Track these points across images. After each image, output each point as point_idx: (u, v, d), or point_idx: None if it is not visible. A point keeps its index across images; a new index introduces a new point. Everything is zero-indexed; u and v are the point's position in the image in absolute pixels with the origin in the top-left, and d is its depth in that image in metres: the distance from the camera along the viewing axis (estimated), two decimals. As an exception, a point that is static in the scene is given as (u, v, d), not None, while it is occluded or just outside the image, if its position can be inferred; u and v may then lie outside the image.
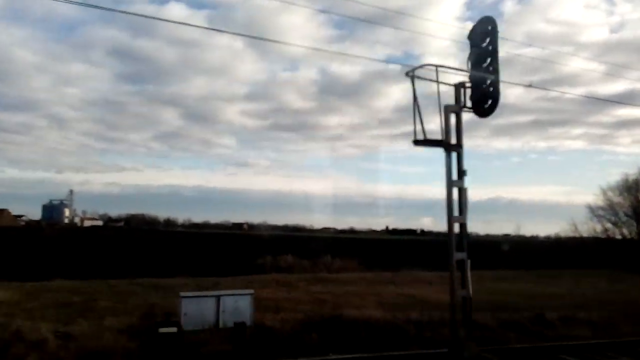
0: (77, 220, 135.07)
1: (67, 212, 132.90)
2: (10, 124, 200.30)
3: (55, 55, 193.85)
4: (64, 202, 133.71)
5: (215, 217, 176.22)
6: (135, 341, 9.94)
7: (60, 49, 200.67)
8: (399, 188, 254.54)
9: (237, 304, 10.70)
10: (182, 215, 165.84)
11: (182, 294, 10.76)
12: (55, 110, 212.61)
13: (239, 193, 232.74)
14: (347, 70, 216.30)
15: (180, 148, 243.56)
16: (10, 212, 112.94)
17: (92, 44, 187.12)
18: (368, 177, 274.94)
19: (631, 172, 47.01)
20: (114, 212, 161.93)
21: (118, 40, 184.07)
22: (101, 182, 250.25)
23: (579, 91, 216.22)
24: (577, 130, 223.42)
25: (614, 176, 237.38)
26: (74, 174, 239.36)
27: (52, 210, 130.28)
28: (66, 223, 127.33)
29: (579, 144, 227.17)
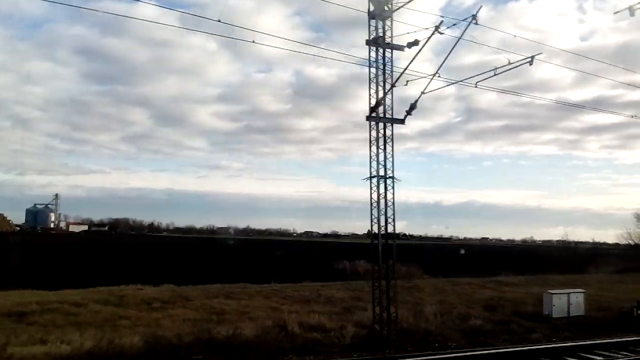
0: (62, 225, 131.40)
1: (52, 216, 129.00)
2: None
3: (19, 53, 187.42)
4: (49, 206, 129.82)
5: (184, 220, 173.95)
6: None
7: (24, 46, 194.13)
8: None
9: (577, 300, 16.72)
10: (149, 219, 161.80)
11: (550, 291, 17.46)
12: (18, 110, 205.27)
13: (211, 196, 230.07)
14: (323, 72, 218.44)
15: (149, 150, 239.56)
16: (5, 217, 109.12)
17: (58, 42, 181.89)
18: (343, 180, 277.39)
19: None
20: (88, 216, 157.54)
21: (86, 39, 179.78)
22: (65, 185, 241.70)
23: (550, 97, 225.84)
24: (548, 136, 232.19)
25: (582, 181, 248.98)
26: (37, 176, 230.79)
27: (36, 214, 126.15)
28: (52, 228, 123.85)
29: (549, 149, 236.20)
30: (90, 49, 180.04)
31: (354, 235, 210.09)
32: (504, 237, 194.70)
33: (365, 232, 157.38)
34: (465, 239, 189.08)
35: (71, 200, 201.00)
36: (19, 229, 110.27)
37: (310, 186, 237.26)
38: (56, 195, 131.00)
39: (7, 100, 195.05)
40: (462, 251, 68.32)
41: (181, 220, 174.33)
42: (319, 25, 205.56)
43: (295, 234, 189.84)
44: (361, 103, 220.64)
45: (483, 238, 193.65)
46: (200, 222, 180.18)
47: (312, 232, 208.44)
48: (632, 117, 19.65)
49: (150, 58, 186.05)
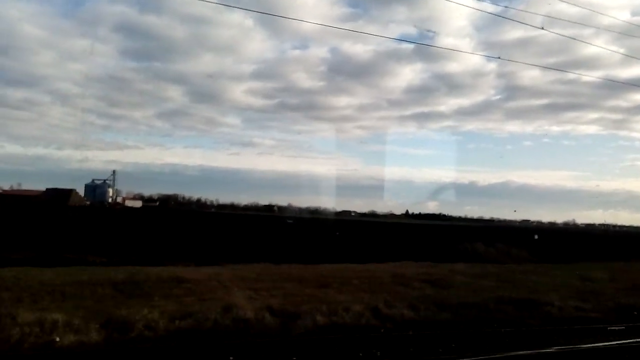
0: (119, 200, 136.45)
1: (110, 192, 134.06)
2: (12, 99, 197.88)
3: (61, 31, 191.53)
4: (107, 182, 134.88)
5: (215, 196, 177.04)
6: None
7: (66, 24, 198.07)
8: (407, 171, 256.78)
9: None
10: (186, 194, 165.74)
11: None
12: (58, 86, 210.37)
13: (242, 173, 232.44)
14: (359, 49, 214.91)
15: (183, 127, 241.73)
16: (78, 193, 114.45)
17: (99, 19, 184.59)
18: (375, 159, 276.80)
19: None
20: (146, 192, 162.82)
21: (125, 16, 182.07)
22: (102, 160, 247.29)
23: (597, 74, 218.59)
24: (593, 115, 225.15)
25: (628, 162, 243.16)
26: (74, 151, 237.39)
27: (95, 189, 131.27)
28: (110, 203, 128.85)
29: (593, 129, 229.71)
30: (130, 26, 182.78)
31: (392, 215, 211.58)
32: (544, 220, 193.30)
33: (404, 212, 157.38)
34: (505, 220, 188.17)
35: (106, 175, 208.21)
36: (88, 203, 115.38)
37: (343, 164, 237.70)
38: (114, 171, 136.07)
39: (48, 76, 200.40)
40: (536, 236, 67.55)
41: (212, 197, 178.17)
42: (356, 1, 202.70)
43: (353, 214, 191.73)
44: (396, 80, 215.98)
45: (524, 220, 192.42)
46: (230, 198, 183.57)
47: (349, 211, 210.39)
48: None
49: (188, 35, 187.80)
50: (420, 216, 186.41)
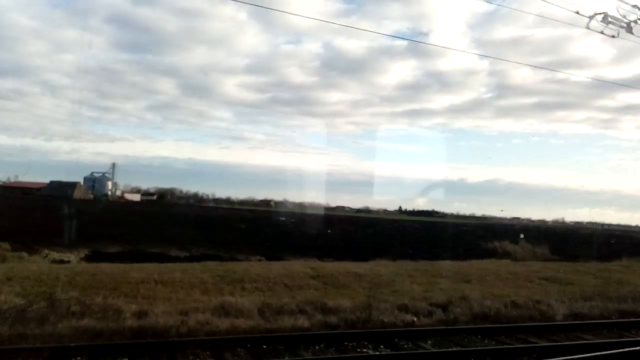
0: (118, 193, 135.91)
1: (109, 185, 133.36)
2: (1, 89, 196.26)
3: (52, 21, 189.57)
4: (106, 175, 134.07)
5: (207, 190, 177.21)
6: None
7: (57, 14, 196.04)
8: (397, 167, 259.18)
9: None
10: (178, 188, 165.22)
11: None
12: (48, 77, 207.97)
13: (232, 167, 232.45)
14: (352, 45, 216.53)
15: (174, 120, 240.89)
16: (81, 186, 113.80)
17: (91, 10, 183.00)
18: (366, 155, 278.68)
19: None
20: (142, 185, 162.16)
21: (118, 8, 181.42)
22: (91, 152, 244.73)
23: (586, 74, 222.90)
24: (581, 114, 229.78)
25: (615, 162, 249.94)
26: (63, 142, 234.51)
27: (94, 183, 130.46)
28: (109, 196, 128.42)
29: (582, 128, 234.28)
30: (122, 18, 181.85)
31: (385, 212, 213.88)
32: (533, 217, 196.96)
33: (397, 208, 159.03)
34: (495, 218, 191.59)
35: (96, 166, 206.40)
36: (92, 196, 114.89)
37: (333, 160, 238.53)
38: (113, 164, 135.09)
39: (38, 67, 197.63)
40: (522, 235, 67.25)
41: (203, 190, 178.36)
42: None
43: (347, 209, 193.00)
44: (389, 76, 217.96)
45: (514, 218, 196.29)
46: (220, 192, 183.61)
47: (342, 206, 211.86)
48: None
49: (181, 28, 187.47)
50: (414, 213, 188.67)
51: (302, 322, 9.60)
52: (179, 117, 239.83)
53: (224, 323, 9.07)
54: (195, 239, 36.59)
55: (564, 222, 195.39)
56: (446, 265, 20.64)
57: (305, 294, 11.84)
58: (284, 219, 67.90)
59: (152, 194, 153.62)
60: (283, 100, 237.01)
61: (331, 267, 16.03)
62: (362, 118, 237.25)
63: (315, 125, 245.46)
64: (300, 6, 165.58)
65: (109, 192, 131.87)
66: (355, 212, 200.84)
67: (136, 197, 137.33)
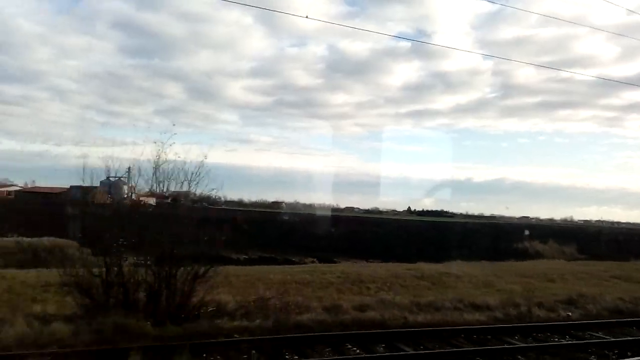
0: (134, 197, 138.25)
1: (125, 188, 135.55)
2: (10, 95, 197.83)
3: (58, 27, 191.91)
4: (122, 179, 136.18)
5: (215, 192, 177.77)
6: None
7: (64, 20, 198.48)
8: (403, 168, 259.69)
9: None
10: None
11: None
12: (56, 83, 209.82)
13: (239, 169, 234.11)
14: (356, 47, 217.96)
15: (182, 123, 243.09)
16: (101, 190, 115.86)
17: (97, 16, 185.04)
18: (371, 156, 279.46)
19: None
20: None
21: (123, 13, 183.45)
22: (100, 156, 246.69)
23: (591, 73, 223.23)
24: (587, 113, 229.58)
25: (621, 159, 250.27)
26: (73, 147, 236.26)
27: (110, 187, 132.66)
28: (127, 199, 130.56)
29: (587, 127, 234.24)
30: (127, 23, 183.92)
31: (394, 212, 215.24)
32: (542, 217, 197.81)
33: (405, 208, 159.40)
34: (504, 217, 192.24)
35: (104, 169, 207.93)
36: (110, 200, 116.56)
37: (339, 161, 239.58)
38: (129, 168, 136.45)
39: (46, 72, 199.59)
40: (527, 231, 66.86)
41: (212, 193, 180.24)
42: (354, 0, 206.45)
43: (357, 210, 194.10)
44: (393, 77, 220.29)
45: (522, 217, 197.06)
46: (229, 194, 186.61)
47: (352, 207, 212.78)
48: None
49: (186, 32, 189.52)
50: (423, 213, 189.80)
51: (478, 316, 11.13)
52: (186, 120, 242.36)
53: (417, 317, 10.69)
54: (237, 242, 37.99)
55: (572, 221, 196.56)
56: (507, 265, 22.21)
57: (436, 293, 13.21)
58: (314, 221, 68.19)
59: (166, 197, 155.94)
60: (289, 102, 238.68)
61: (427, 268, 17.61)
62: (368, 119, 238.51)
63: (321, 127, 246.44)
64: (304, 9, 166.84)
65: (125, 196, 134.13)
66: (365, 212, 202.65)
67: (152, 200, 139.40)
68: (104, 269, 9.76)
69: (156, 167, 11.47)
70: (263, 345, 8.73)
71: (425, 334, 10.02)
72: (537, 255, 36.11)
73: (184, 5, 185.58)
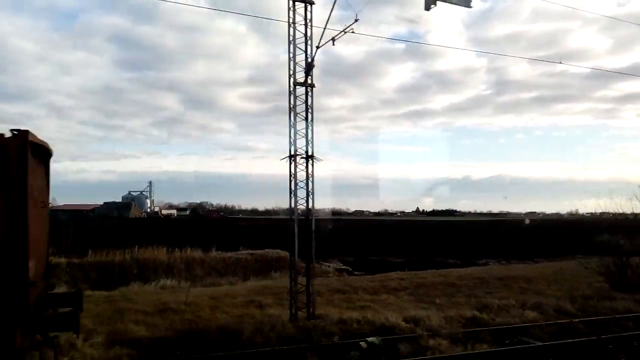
0: (156, 210, 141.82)
1: (148, 202, 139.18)
2: (9, 114, 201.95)
3: (54, 44, 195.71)
4: (144, 193, 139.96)
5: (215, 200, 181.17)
6: None
7: (60, 37, 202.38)
8: (402, 168, 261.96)
9: None
10: (180, 201, 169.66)
11: None
12: (53, 99, 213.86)
13: (238, 177, 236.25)
14: (351, 50, 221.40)
15: (179, 134, 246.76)
16: (135, 205, 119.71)
17: (92, 31, 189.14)
18: (369, 158, 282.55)
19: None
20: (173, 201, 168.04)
21: (119, 27, 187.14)
22: (98, 170, 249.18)
23: (585, 66, 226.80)
24: (582, 106, 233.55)
25: (618, 151, 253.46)
26: (70, 163, 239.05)
27: (132, 201, 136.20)
28: (148, 212, 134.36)
29: (583, 119, 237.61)
30: (123, 37, 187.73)
31: (403, 213, 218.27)
32: (548, 211, 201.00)
33: (407, 209, 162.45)
34: (510, 213, 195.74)
35: (104, 184, 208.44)
36: (145, 215, 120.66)
37: (337, 164, 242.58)
38: (150, 182, 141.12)
39: (43, 90, 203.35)
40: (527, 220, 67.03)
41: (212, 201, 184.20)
42: (347, 4, 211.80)
43: (367, 213, 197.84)
44: (388, 79, 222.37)
45: (529, 212, 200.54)
46: (230, 203, 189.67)
47: (362, 210, 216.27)
48: None
49: (181, 43, 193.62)
50: (434, 213, 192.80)
51: None
52: (184, 131, 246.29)
53: None
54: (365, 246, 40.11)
55: (577, 214, 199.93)
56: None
57: None
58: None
59: (184, 209, 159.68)
60: (285, 109, 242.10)
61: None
62: (364, 122, 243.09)
63: (317, 131, 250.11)
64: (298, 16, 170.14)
65: (148, 210, 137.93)
66: (375, 215, 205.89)
67: (172, 213, 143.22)
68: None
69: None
70: None
71: None
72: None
73: (179, 17, 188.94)
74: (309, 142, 13.80)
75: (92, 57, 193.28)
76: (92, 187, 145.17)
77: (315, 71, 14.52)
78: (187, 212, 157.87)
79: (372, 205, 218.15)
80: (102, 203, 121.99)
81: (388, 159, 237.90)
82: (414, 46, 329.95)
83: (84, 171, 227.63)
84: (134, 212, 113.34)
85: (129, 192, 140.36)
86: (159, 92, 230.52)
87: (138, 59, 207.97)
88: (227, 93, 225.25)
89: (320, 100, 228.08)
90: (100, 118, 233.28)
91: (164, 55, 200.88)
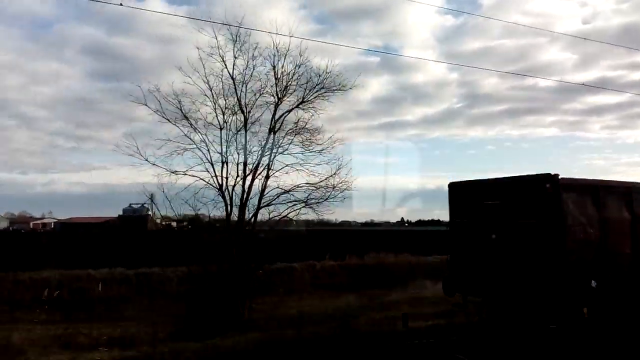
0: (157, 222, 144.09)
1: (151, 215, 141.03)
2: None
3: (26, 54, 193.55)
4: (144, 206, 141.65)
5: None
6: None
7: (32, 47, 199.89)
8: (376, 180, 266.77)
9: None
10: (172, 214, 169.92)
11: None
12: (23, 110, 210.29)
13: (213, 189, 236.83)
14: (327, 63, 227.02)
15: (152, 145, 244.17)
16: (153, 217, 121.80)
17: (66, 41, 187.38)
18: (344, 169, 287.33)
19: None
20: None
21: (93, 38, 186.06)
22: (66, 182, 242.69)
23: (552, 79, 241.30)
24: (550, 118, 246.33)
25: (585, 161, 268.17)
26: (39, 175, 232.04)
27: (134, 213, 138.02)
28: (150, 225, 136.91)
29: (551, 131, 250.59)
30: (98, 48, 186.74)
31: (388, 223, 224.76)
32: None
33: (399, 219, 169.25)
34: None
35: (71, 197, 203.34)
36: (161, 227, 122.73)
37: (311, 175, 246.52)
38: (152, 195, 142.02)
39: (13, 100, 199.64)
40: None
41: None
42: (323, 18, 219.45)
43: (353, 223, 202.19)
44: (364, 92, 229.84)
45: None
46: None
47: (348, 221, 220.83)
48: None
49: (157, 55, 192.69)
50: (420, 223, 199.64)
51: None
52: (156, 142, 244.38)
53: None
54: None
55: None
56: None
57: None
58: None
59: (181, 221, 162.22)
60: (261, 120, 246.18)
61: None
62: (340, 134, 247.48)
63: (293, 142, 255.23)
64: (274, 28, 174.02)
65: (149, 222, 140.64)
66: (362, 225, 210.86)
67: (173, 225, 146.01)
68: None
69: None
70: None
71: None
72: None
73: (155, 28, 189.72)
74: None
75: (65, 67, 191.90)
76: (58, 200, 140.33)
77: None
78: (186, 224, 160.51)
79: (354, 215, 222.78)
80: (116, 215, 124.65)
81: (363, 170, 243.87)
82: (389, 59, 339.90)
83: (52, 183, 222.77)
84: (150, 225, 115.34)
85: (130, 204, 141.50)
86: (132, 103, 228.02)
87: (112, 70, 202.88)
88: (201, 105, 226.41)
89: (295, 112, 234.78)
90: (71, 129, 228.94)
91: (138, 66, 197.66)
